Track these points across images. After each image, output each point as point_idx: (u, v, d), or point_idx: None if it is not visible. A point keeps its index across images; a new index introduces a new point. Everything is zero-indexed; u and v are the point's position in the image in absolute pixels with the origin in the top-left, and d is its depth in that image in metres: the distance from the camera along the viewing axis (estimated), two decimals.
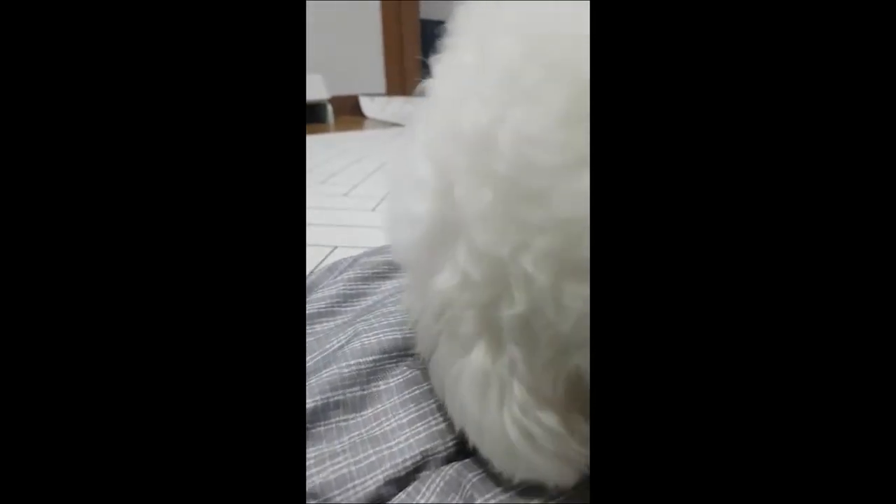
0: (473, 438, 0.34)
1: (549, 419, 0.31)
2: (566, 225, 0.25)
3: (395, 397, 0.41)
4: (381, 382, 0.42)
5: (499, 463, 0.34)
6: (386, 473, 0.36)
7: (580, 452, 0.32)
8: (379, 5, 2.27)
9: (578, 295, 0.26)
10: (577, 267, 0.25)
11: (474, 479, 0.36)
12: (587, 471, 0.33)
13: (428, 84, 0.34)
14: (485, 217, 0.28)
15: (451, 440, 0.39)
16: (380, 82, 2.60)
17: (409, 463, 0.37)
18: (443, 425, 0.39)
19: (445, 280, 0.31)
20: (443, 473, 0.36)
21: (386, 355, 0.44)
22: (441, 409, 0.40)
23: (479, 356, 0.31)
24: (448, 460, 0.38)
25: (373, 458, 0.37)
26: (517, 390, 0.31)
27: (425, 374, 0.43)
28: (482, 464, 0.37)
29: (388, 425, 0.39)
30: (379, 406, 0.41)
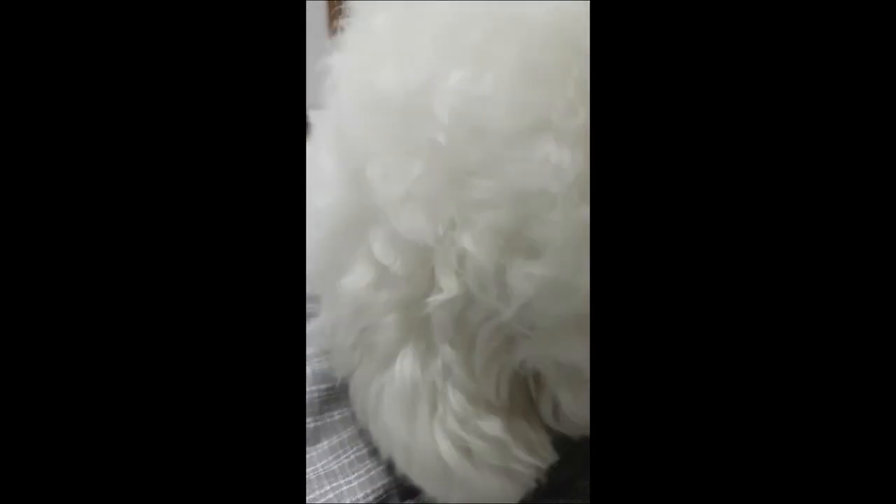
0: (402, 464, 0.30)
1: (493, 427, 0.27)
2: (520, 198, 0.23)
3: (353, 426, 0.38)
4: (335, 412, 0.39)
5: (432, 488, 0.30)
6: None
7: (526, 464, 0.28)
8: (324, 5, 2.20)
9: (527, 274, 0.23)
10: (528, 245, 0.23)
11: None
12: (532, 483, 0.29)
13: (332, 59, 0.29)
14: (410, 196, 0.24)
15: None
16: None
17: (370, 498, 0.34)
18: None
19: (356, 279, 0.27)
20: None
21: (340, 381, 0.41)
22: None
23: (404, 366, 0.27)
24: (413, 492, 0.35)
25: (330, 496, 0.34)
26: (453, 399, 0.27)
27: None
28: None
29: (345, 458, 0.36)
30: (335, 437, 0.38)
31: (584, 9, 0.22)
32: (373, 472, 0.35)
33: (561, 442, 0.35)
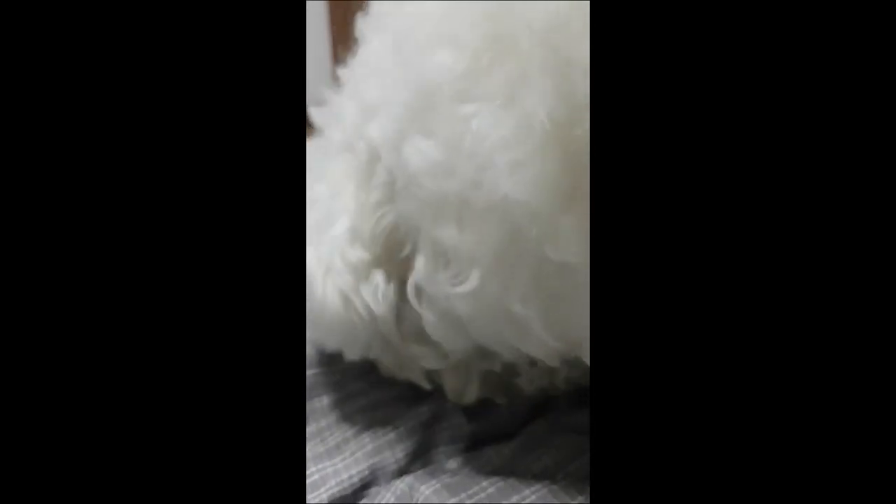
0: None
1: (356, 255, 0.32)
2: (424, 88, 0.27)
3: (339, 410, 0.39)
4: (324, 396, 0.39)
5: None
6: (331, 492, 0.34)
7: (366, 306, 0.33)
8: (325, 4, 2.18)
9: (422, 150, 0.27)
10: (425, 128, 0.27)
11: (427, 492, 0.33)
12: (373, 347, 0.35)
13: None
14: (374, 72, 0.32)
15: (402, 451, 0.36)
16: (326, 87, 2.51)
17: (355, 479, 0.35)
18: (392, 435, 0.37)
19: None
20: (393, 488, 0.34)
21: (327, 367, 0.41)
22: (391, 419, 0.38)
23: (318, 191, 0.34)
24: (399, 473, 0.36)
25: (315, 477, 0.34)
26: (340, 223, 0.33)
27: (372, 384, 0.41)
28: (435, 475, 0.35)
29: (332, 441, 0.37)
30: (323, 421, 0.38)
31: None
32: (357, 454, 0.36)
33: None
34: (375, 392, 0.40)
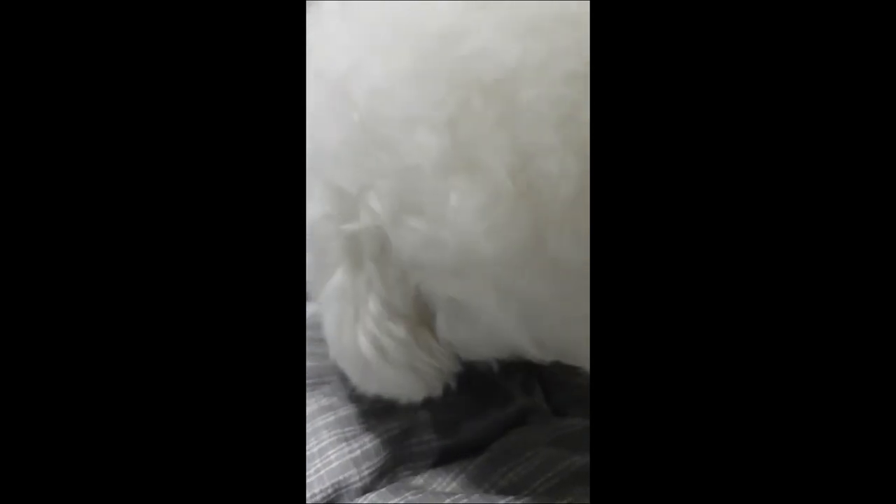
0: (334, 355, 0.36)
1: (399, 331, 0.33)
2: (407, 170, 0.28)
3: (307, 426, 0.38)
4: None
5: (355, 377, 0.36)
6: None
7: (428, 363, 0.35)
8: None
9: (415, 228, 0.29)
10: (415, 207, 0.29)
11: None
12: (437, 385, 0.36)
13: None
14: (337, 156, 0.31)
15: (367, 468, 0.36)
16: None
17: (318, 497, 0.34)
18: (358, 452, 0.36)
19: (312, 211, 0.33)
20: None
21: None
22: (360, 435, 0.38)
23: (339, 276, 0.33)
24: (364, 491, 0.35)
25: None
26: (371, 304, 0.33)
27: (342, 399, 0.41)
28: (399, 493, 0.34)
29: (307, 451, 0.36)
30: None
31: (468, 28, 0.27)
32: (322, 472, 0.35)
33: None
34: (346, 408, 0.40)
